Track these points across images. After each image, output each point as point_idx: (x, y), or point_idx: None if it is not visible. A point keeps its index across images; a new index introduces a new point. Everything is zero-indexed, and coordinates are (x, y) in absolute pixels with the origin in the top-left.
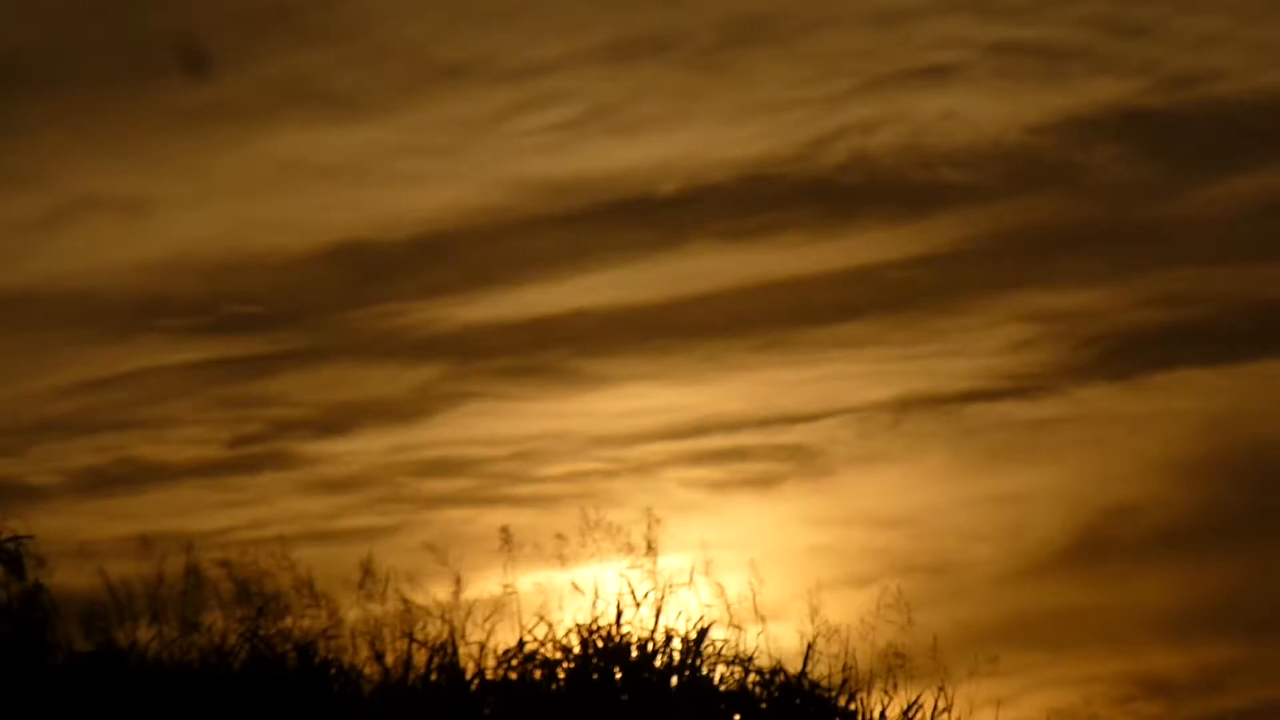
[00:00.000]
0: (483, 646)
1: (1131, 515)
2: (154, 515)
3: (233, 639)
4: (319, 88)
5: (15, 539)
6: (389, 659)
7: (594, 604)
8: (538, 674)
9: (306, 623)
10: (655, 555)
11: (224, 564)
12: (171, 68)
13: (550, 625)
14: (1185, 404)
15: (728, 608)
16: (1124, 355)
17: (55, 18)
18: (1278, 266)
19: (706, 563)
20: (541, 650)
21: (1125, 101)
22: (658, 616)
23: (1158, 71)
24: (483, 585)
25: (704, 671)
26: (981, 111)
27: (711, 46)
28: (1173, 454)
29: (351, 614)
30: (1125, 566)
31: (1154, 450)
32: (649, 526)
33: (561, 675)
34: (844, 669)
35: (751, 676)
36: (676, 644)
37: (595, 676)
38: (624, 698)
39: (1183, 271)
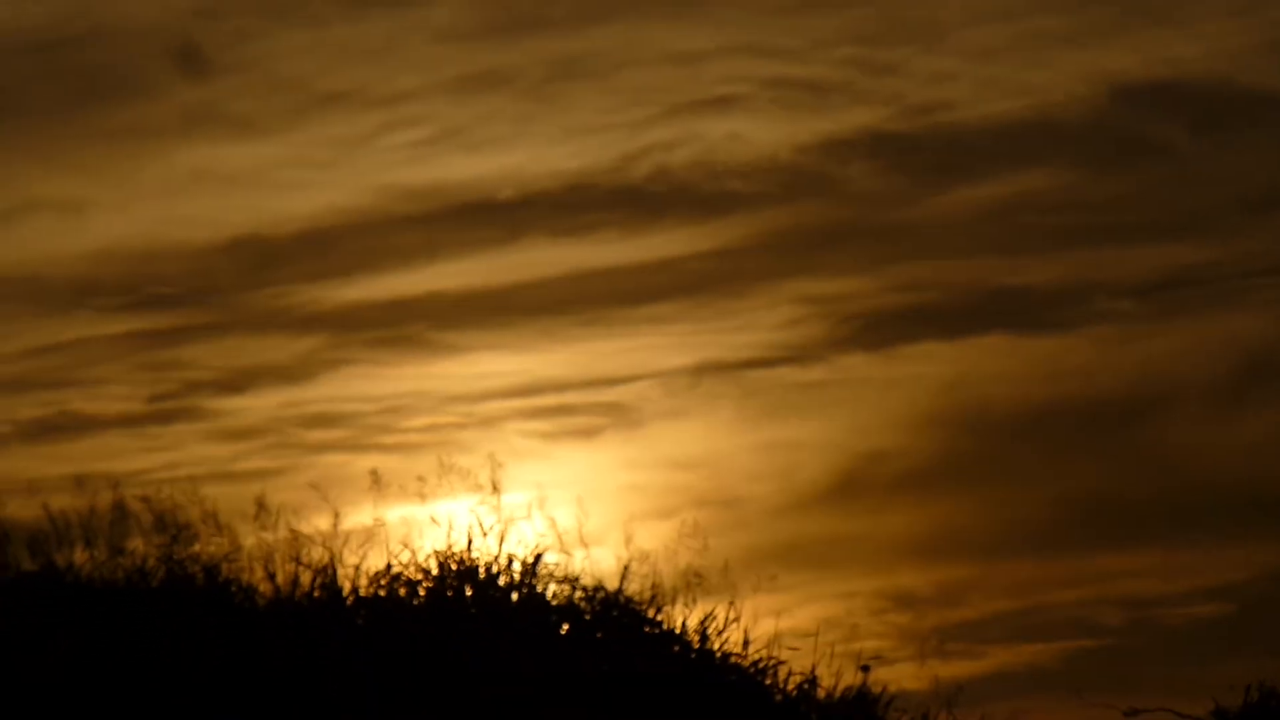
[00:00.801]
0: (357, 568)
1: (882, 460)
2: (87, 459)
3: (151, 561)
4: (223, 112)
5: None
6: (280, 578)
7: (449, 533)
8: (403, 591)
9: (212, 548)
10: (499, 493)
11: (144, 499)
12: (100, 94)
13: (413, 551)
14: (924, 370)
15: (558, 536)
16: (876, 331)
17: (3, 53)
18: (998, 259)
19: (541, 500)
20: (405, 572)
21: (876, 126)
22: (501, 544)
23: (902, 102)
24: (357, 518)
25: (539, 589)
26: (759, 134)
27: (540, 80)
28: (915, 411)
29: (249, 541)
30: (877, 501)
31: (900, 408)
32: (493, 470)
33: (422, 592)
34: (652, 586)
35: (578, 593)
36: (517, 566)
37: (450, 593)
38: (473, 610)
39: (923, 263)
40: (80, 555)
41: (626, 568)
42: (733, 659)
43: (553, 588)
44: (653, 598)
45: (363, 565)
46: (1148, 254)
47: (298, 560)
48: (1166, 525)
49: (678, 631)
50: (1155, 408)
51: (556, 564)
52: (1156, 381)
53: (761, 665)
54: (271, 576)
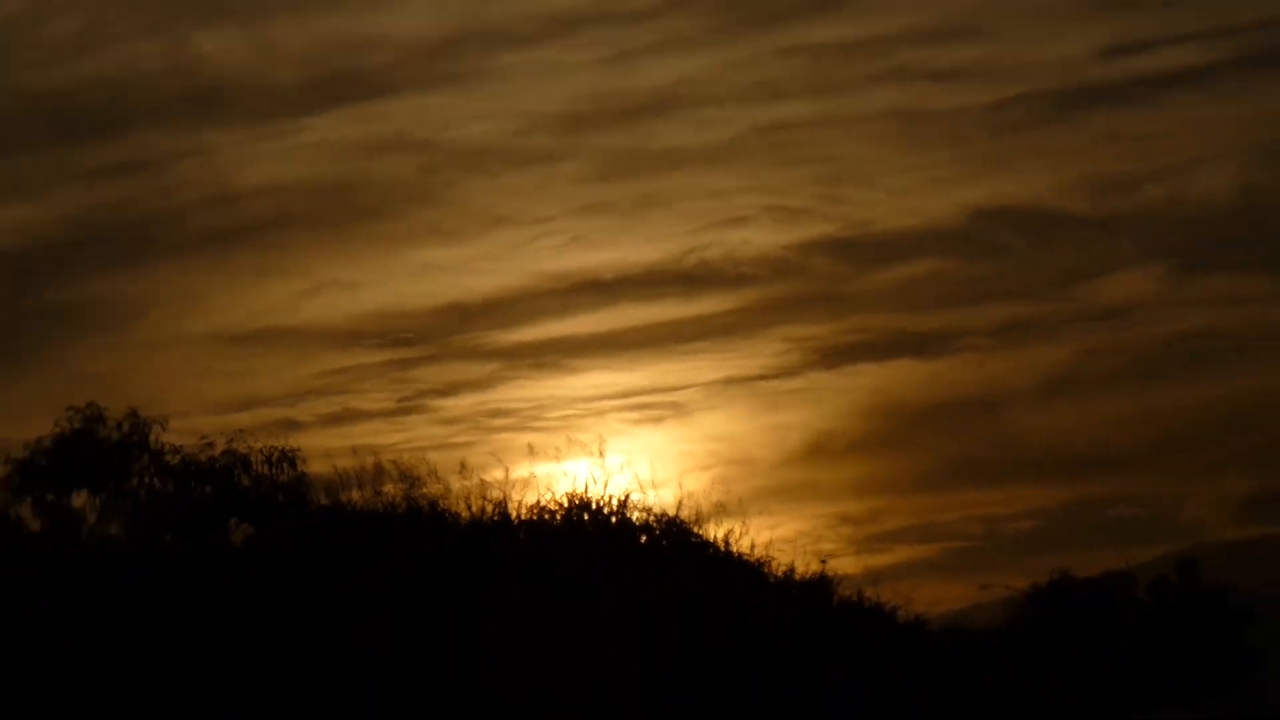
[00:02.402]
0: (520, 503)
1: (835, 435)
2: (360, 437)
3: (398, 499)
4: (440, 227)
5: (292, 450)
6: (474, 509)
7: (574, 482)
8: (546, 517)
9: (432, 490)
10: (604, 457)
11: (394, 462)
12: (367, 215)
13: (553, 493)
14: (862, 381)
15: (639, 483)
16: (832, 358)
17: (309, 193)
18: (906, 313)
19: (629, 461)
20: (548, 505)
21: (832, 234)
22: (605, 488)
23: (847, 219)
24: (519, 472)
25: (628, 515)
26: (761, 240)
27: (631, 208)
28: (856, 406)
29: (455, 486)
30: (832, 460)
31: (846, 404)
32: (600, 443)
33: (559, 518)
34: (696, 513)
35: (651, 518)
36: (614, 502)
37: (575, 518)
38: (589, 529)
39: (860, 316)
40: (355, 495)
41: (680, 502)
42: (743, 557)
43: (636, 514)
44: (696, 520)
45: (523, 501)
46: (995, 310)
47: (484, 498)
48: (1006, 474)
49: (711, 540)
50: (1001, 403)
51: (638, 500)
52: (1002, 388)
53: (762, 560)
54: (469, 508)
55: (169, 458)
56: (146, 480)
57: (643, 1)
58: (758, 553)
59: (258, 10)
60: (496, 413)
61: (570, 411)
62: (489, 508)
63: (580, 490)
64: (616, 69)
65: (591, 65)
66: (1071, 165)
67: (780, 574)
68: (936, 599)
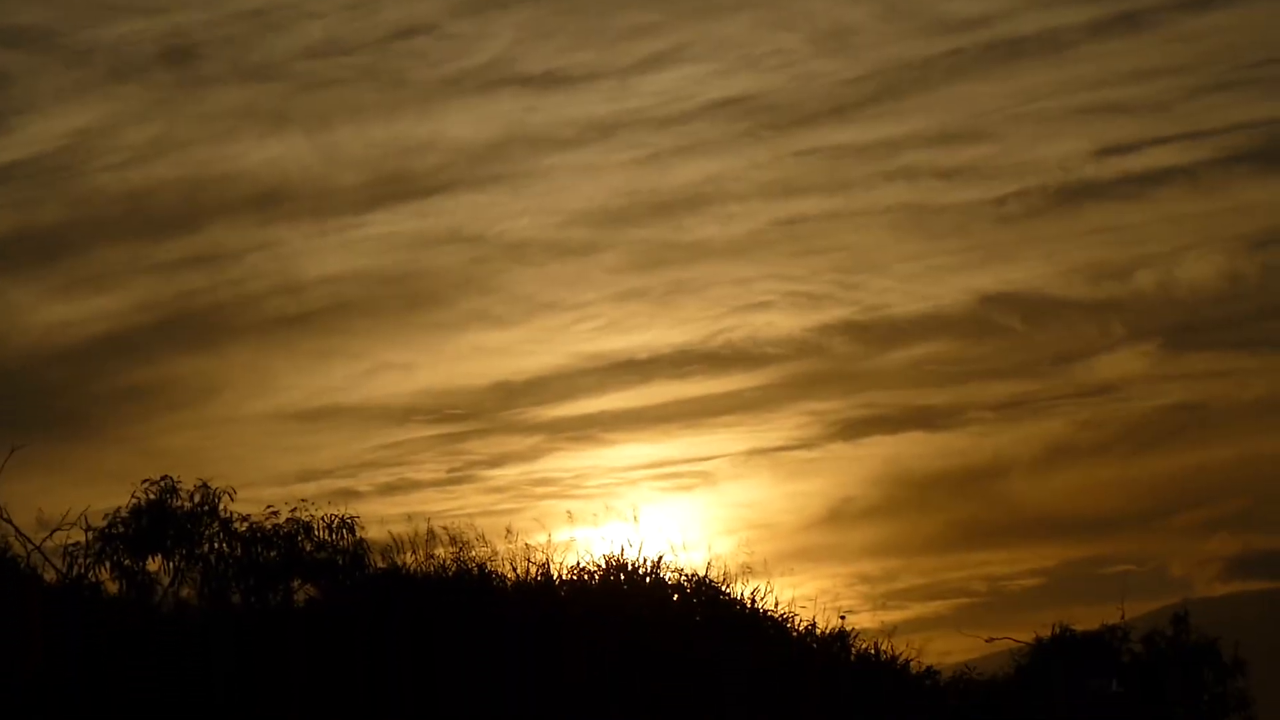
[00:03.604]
0: (561, 564)
1: (851, 501)
2: (413, 505)
3: (448, 562)
4: (487, 314)
5: (351, 517)
6: (519, 570)
7: (611, 545)
8: (586, 577)
9: (480, 553)
10: (638, 522)
11: (444, 527)
12: (421, 304)
13: (591, 555)
14: (874, 451)
15: (671, 545)
16: (847, 430)
17: (370, 282)
18: (915, 389)
19: (661, 525)
20: (588, 566)
21: (848, 317)
22: (639, 550)
23: (862, 304)
24: (560, 535)
25: (661, 575)
26: (783, 322)
27: (663, 294)
28: (870, 474)
29: (501, 549)
30: (849, 524)
31: (862, 472)
32: (634, 509)
33: (597, 578)
34: (724, 573)
35: (682, 578)
36: (649, 563)
37: (612, 578)
38: (625, 588)
39: (873, 393)
40: (410, 559)
41: (709, 563)
42: (768, 613)
43: (669, 575)
44: (724, 580)
45: (564, 562)
46: (999, 387)
47: (528, 560)
48: (1009, 536)
49: (738, 598)
50: (1004, 472)
51: (670, 562)
52: (1005, 458)
53: (784, 617)
54: (514, 569)
55: (237, 525)
56: (216, 546)
57: (673, 108)
58: (781, 609)
59: (320, 118)
60: (539, 482)
61: (607, 481)
62: (533, 569)
63: (617, 553)
64: (649, 169)
65: (627, 166)
66: (1068, 255)
67: (802, 629)
68: (947, 651)
